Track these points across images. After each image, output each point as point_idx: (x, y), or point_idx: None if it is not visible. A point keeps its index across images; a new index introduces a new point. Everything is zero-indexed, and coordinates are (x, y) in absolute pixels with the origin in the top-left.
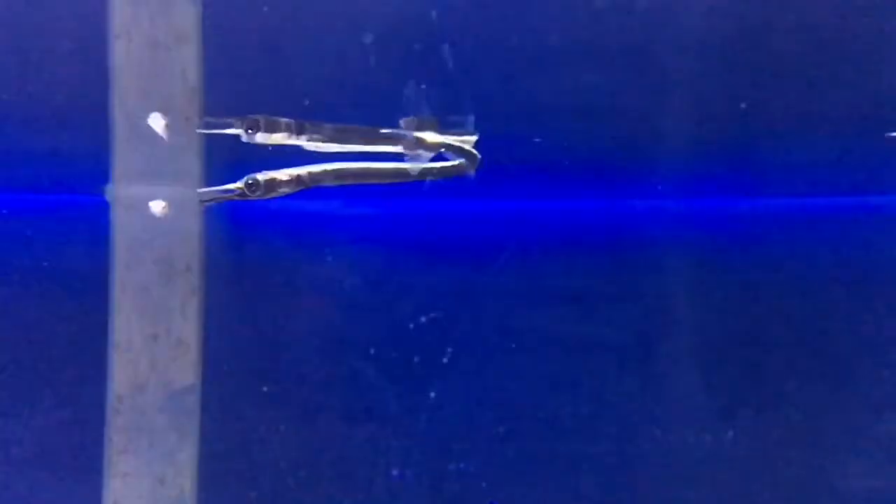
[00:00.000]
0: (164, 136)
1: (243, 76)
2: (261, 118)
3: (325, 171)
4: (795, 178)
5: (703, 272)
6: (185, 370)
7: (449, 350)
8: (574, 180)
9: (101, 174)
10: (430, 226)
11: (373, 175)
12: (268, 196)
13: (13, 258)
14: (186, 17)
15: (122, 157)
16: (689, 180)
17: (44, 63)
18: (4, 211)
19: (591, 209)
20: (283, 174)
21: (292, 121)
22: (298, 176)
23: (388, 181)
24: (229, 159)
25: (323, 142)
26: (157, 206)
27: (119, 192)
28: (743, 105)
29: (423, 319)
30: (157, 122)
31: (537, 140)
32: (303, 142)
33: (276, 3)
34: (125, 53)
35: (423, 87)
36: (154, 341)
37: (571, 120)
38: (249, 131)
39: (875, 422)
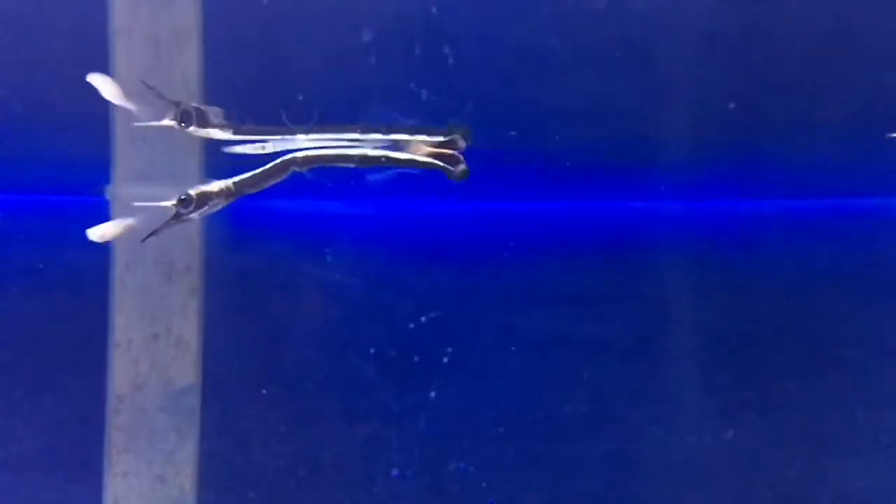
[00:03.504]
0: (115, 101)
1: (243, 75)
2: (193, 110)
3: (244, 180)
4: (795, 179)
5: (703, 273)
6: (186, 370)
7: (449, 350)
8: (575, 182)
9: (101, 174)
10: (430, 226)
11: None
12: (200, 211)
13: (13, 258)
14: (187, 15)
15: (123, 158)
16: (690, 182)
17: (44, 63)
18: (4, 211)
19: (591, 210)
20: (214, 186)
21: (222, 119)
22: (227, 187)
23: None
24: (229, 159)
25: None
26: (94, 233)
27: (119, 192)
28: (732, 105)
29: (423, 319)
30: (103, 84)
31: (556, 138)
32: (229, 135)
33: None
34: (125, 53)
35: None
36: (154, 341)
37: (572, 121)
38: (182, 124)
39: (875, 421)
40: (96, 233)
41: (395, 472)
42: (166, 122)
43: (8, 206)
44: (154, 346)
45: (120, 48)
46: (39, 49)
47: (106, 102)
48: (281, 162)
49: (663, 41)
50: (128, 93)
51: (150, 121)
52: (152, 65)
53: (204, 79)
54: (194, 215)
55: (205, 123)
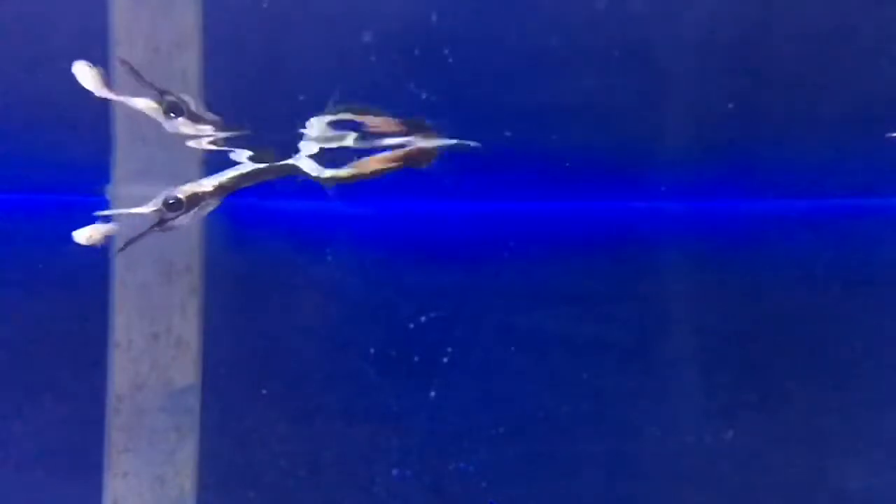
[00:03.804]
0: (98, 91)
1: (243, 76)
2: (182, 104)
3: (242, 175)
4: (795, 179)
5: (703, 273)
6: (186, 369)
7: (449, 350)
8: (575, 182)
9: (101, 174)
10: (430, 226)
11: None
12: (191, 212)
13: (13, 258)
14: (187, 17)
15: (123, 158)
16: (690, 182)
17: (44, 63)
18: (4, 211)
19: (591, 210)
20: (207, 185)
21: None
22: (221, 184)
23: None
24: (228, 160)
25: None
26: (81, 235)
27: (119, 192)
28: (732, 105)
29: (423, 319)
30: (85, 73)
31: (556, 138)
32: (224, 132)
33: (276, 1)
34: (125, 54)
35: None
36: (154, 341)
37: (572, 121)
38: (172, 115)
39: (875, 422)
40: (83, 235)
41: (395, 472)
42: (148, 103)
43: (8, 206)
44: (154, 346)
45: (120, 49)
46: (40, 49)
47: (105, 103)
48: (255, 170)
49: (663, 41)
50: (117, 85)
51: (135, 108)
52: (152, 66)
53: (204, 80)
54: (184, 219)
55: (196, 118)
